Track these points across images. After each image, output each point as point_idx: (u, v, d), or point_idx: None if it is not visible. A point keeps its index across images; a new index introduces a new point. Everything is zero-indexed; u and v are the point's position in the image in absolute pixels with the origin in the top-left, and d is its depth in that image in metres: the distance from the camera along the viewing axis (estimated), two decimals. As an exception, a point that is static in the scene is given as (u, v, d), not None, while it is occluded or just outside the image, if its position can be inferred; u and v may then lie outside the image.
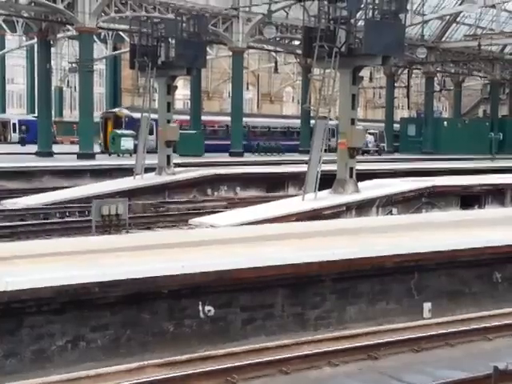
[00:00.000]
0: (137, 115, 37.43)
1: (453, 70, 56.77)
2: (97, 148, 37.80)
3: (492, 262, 10.71)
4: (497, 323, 9.15)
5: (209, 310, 8.41)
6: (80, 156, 32.16)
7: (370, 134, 47.98)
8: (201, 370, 7.17)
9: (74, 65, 46.66)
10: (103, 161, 30.78)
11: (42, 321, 7.43)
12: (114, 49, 58.44)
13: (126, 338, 7.92)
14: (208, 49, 44.93)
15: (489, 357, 7.86)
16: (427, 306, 9.90)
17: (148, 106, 25.58)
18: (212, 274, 8.38)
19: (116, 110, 44.88)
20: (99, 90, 65.76)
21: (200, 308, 8.38)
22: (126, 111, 42.66)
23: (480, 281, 10.58)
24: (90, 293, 7.65)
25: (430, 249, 10.20)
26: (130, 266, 8.23)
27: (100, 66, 63.62)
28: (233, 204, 22.09)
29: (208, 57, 43.40)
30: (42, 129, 35.37)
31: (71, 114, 67.46)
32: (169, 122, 25.48)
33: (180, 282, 8.17)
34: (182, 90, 63.36)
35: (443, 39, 50.21)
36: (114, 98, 64.91)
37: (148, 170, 24.90)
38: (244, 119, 47.57)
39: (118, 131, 38.56)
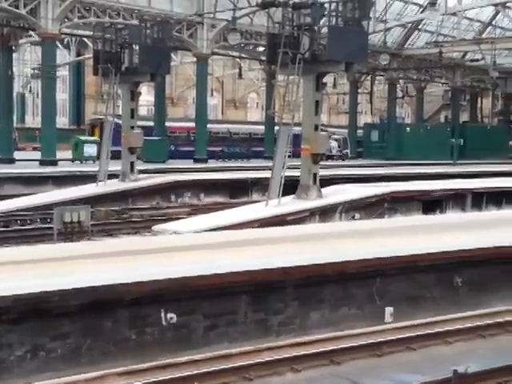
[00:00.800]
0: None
1: (415, 77, 57.31)
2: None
3: (452, 266, 10.82)
4: (457, 327, 9.25)
5: (171, 318, 8.37)
6: (42, 163, 31.80)
7: (334, 139, 48.28)
8: (162, 377, 7.11)
9: (36, 71, 46.21)
10: (66, 167, 30.45)
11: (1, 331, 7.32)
12: (78, 55, 58.03)
13: (87, 347, 7.83)
14: (172, 55, 44.77)
15: (449, 360, 7.94)
16: (389, 310, 9.96)
17: (112, 112, 25.39)
18: (174, 280, 8.34)
19: (103, 117, 44.66)
20: (62, 96, 65.17)
21: (162, 315, 8.33)
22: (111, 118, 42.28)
23: (441, 285, 10.67)
24: (51, 301, 7.55)
25: (391, 254, 10.27)
26: (92, 274, 8.15)
27: (63, 72, 63.04)
28: (196, 210, 22.02)
29: (172, 63, 43.18)
30: (3, 135, 34.88)
31: (33, 121, 66.68)
32: (132, 128, 25.36)
33: (141, 289, 8.11)
34: (146, 96, 63.05)
35: (405, 46, 50.72)
36: (78, 104, 64.40)
37: (112, 176, 24.72)
38: (226, 126, 47.72)
39: (81, 137, 38.24)
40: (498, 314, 10.04)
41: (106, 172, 24.23)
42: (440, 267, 10.67)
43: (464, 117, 65.01)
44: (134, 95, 25.57)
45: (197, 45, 38.22)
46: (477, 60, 47.82)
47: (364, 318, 9.81)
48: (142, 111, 69.57)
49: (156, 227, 15.79)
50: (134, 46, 24.97)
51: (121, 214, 21.05)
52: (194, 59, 41.65)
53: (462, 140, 47.61)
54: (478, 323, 9.52)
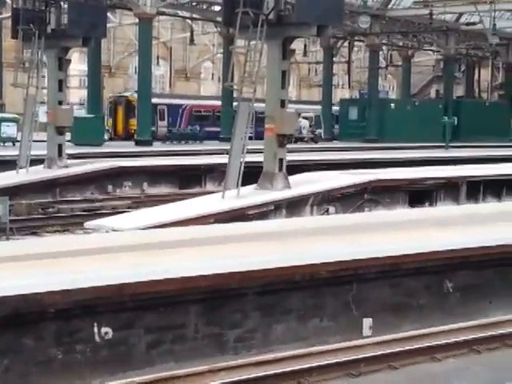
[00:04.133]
0: (153, 100, 43.92)
1: (401, 43, 57.80)
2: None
3: (443, 268, 10.95)
4: (446, 341, 9.37)
5: (106, 333, 8.35)
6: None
7: (304, 118, 48.46)
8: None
9: None
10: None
11: None
12: (-7, 13, 57.18)
13: (3, 369, 7.77)
14: (109, 15, 44.48)
15: (437, 380, 8.05)
16: (367, 322, 10.05)
17: (37, 83, 25.13)
18: (110, 288, 8.31)
19: (127, 93, 49.80)
20: (-26, 64, 64.22)
21: (95, 330, 8.31)
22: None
23: (428, 292, 10.80)
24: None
25: (371, 255, 10.35)
26: (9, 281, 8.07)
27: (-25, 35, 62.08)
28: (139, 203, 22.09)
29: (109, 24, 43.01)
30: None
31: None
32: (60, 103, 25.16)
33: (69, 298, 8.06)
34: (78, 65, 62.46)
35: (389, 6, 51.03)
36: (-7, 73, 63.60)
37: (35, 162, 24.53)
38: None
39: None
40: (496, 325, 10.21)
41: (29, 157, 24.04)
42: (427, 270, 10.79)
43: (459, 91, 65.72)
44: (63, 63, 25.36)
45: (139, 2, 37.94)
46: (473, 23, 48.29)
47: (338, 332, 9.90)
48: (74, 82, 68.90)
49: (89, 223, 15.74)
50: (62, 3, 24.74)
51: (46, 208, 20.93)
52: (136, 20, 41.37)
53: (456, 119, 48.14)
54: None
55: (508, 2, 46.84)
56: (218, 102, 47.35)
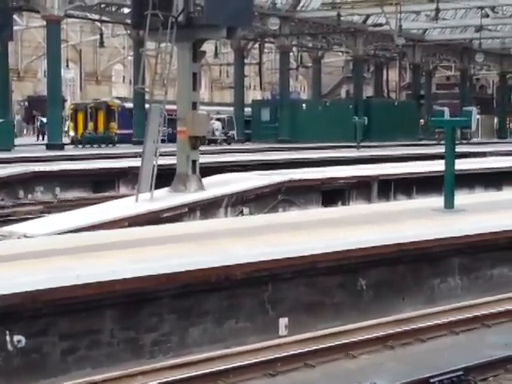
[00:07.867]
0: (130, 105, 48.54)
1: (310, 44, 58.36)
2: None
3: (356, 267, 11.09)
4: (361, 338, 9.52)
5: (19, 341, 8.20)
6: None
7: (216, 119, 48.51)
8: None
9: None
10: None
11: None
12: None
13: None
14: (16, 17, 43.69)
15: (352, 377, 8.17)
16: (283, 321, 10.11)
17: None
18: (22, 295, 8.16)
19: (107, 99, 52.48)
20: None
21: (7, 338, 8.14)
22: (117, 101, 51.18)
23: (343, 290, 10.93)
24: None
25: (285, 255, 10.41)
26: None
27: None
28: (51, 208, 21.76)
29: (16, 27, 42.26)
30: None
31: None
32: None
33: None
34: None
35: (298, 8, 51.48)
36: None
37: None
38: None
39: None
40: (409, 321, 10.42)
41: None
42: (341, 268, 10.92)
43: (368, 91, 66.81)
44: (-31, 67, 24.87)
45: (46, 4, 37.29)
46: (380, 25, 49.13)
47: (254, 332, 9.93)
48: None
49: (0, 230, 15.41)
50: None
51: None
52: (44, 23, 40.70)
53: (366, 118, 48.90)
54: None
55: (413, 4, 47.85)
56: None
